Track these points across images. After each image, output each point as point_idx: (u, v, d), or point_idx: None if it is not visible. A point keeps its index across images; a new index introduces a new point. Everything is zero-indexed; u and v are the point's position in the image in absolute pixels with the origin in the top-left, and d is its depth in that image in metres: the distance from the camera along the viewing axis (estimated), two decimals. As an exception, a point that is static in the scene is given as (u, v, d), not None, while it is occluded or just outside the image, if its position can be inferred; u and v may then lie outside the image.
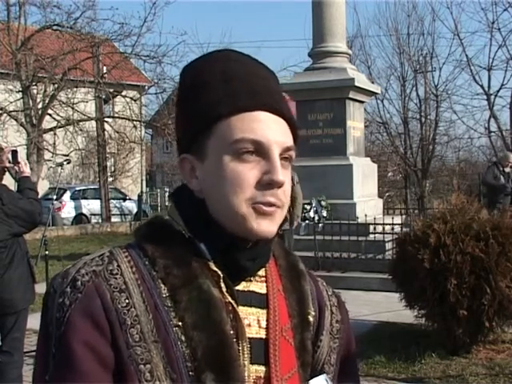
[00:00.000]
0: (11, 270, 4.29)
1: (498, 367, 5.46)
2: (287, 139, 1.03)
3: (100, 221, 21.09)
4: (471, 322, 5.49)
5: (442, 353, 5.75)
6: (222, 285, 1.01)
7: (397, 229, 9.15)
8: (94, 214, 21.99)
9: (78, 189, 22.98)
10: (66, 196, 21.94)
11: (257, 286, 1.08)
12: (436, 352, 5.74)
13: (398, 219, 9.98)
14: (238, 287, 1.04)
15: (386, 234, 9.35)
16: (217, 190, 1.01)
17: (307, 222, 9.78)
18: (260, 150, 0.99)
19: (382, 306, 7.48)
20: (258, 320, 1.05)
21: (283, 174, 1.00)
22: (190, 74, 1.07)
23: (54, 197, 15.69)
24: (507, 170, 10.97)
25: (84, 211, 22.05)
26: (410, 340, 6.12)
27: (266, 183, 0.99)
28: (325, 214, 9.84)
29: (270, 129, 1.00)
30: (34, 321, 7.12)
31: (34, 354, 5.97)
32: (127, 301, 0.97)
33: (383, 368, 5.53)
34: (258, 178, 0.99)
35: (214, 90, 1.02)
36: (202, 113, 1.02)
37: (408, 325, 6.52)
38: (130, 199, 23.62)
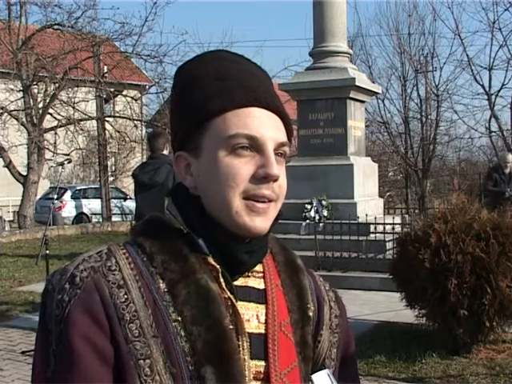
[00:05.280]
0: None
1: (498, 367, 5.46)
2: (281, 135, 1.04)
3: (101, 220, 21.06)
4: (472, 321, 5.49)
5: (443, 352, 5.74)
6: (221, 279, 1.02)
7: (397, 228, 9.15)
8: (95, 214, 21.97)
9: (78, 188, 22.95)
10: (67, 195, 21.94)
11: (255, 282, 1.08)
12: (436, 352, 5.73)
13: (398, 219, 9.97)
14: (236, 283, 1.04)
15: (387, 233, 9.33)
16: (212, 185, 1.01)
17: (308, 221, 9.78)
18: (254, 145, 1.00)
19: (382, 306, 7.48)
20: (257, 315, 1.06)
21: (278, 168, 1.01)
22: (183, 73, 1.09)
23: (55, 196, 15.67)
24: (507, 170, 10.90)
25: (85, 210, 22.04)
26: (410, 340, 6.11)
27: (261, 177, 1.00)
28: (325, 213, 9.83)
29: (264, 124, 1.01)
30: (33, 321, 7.15)
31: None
32: (126, 296, 0.97)
33: (383, 368, 5.52)
34: (253, 172, 1.00)
35: (208, 87, 1.02)
36: (195, 109, 1.02)
37: (408, 324, 6.51)
38: (130, 198, 23.54)
